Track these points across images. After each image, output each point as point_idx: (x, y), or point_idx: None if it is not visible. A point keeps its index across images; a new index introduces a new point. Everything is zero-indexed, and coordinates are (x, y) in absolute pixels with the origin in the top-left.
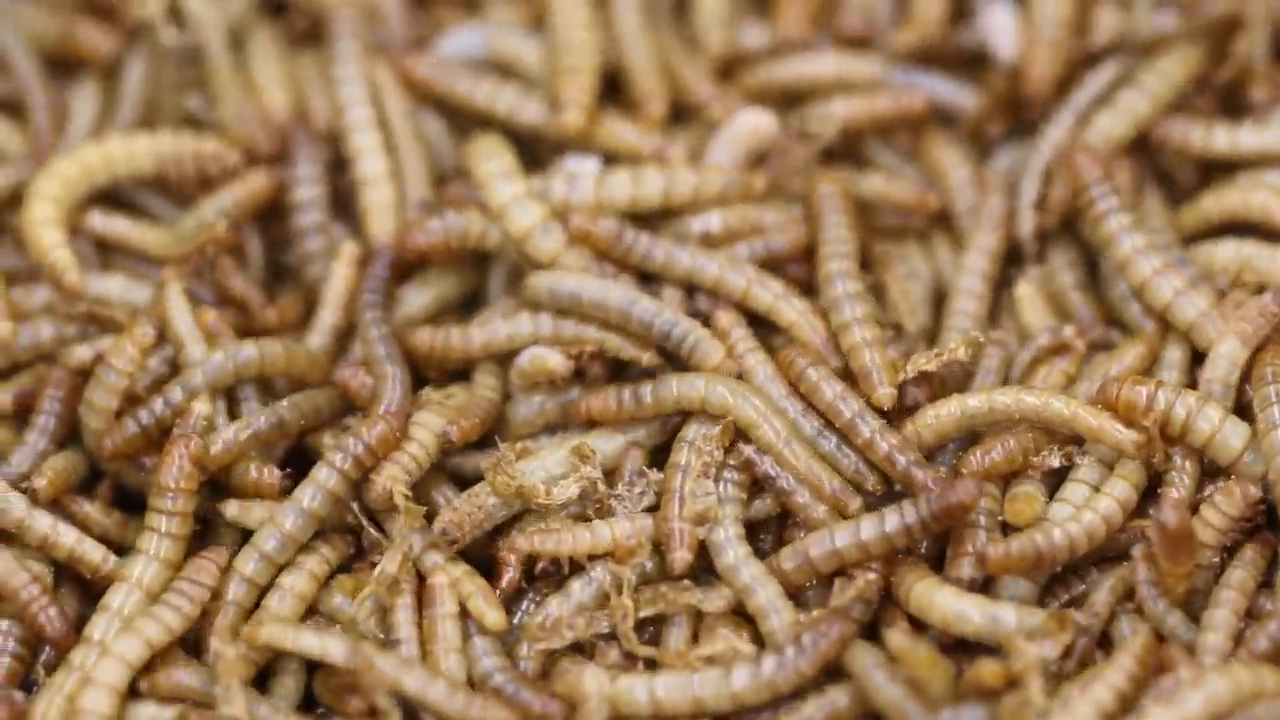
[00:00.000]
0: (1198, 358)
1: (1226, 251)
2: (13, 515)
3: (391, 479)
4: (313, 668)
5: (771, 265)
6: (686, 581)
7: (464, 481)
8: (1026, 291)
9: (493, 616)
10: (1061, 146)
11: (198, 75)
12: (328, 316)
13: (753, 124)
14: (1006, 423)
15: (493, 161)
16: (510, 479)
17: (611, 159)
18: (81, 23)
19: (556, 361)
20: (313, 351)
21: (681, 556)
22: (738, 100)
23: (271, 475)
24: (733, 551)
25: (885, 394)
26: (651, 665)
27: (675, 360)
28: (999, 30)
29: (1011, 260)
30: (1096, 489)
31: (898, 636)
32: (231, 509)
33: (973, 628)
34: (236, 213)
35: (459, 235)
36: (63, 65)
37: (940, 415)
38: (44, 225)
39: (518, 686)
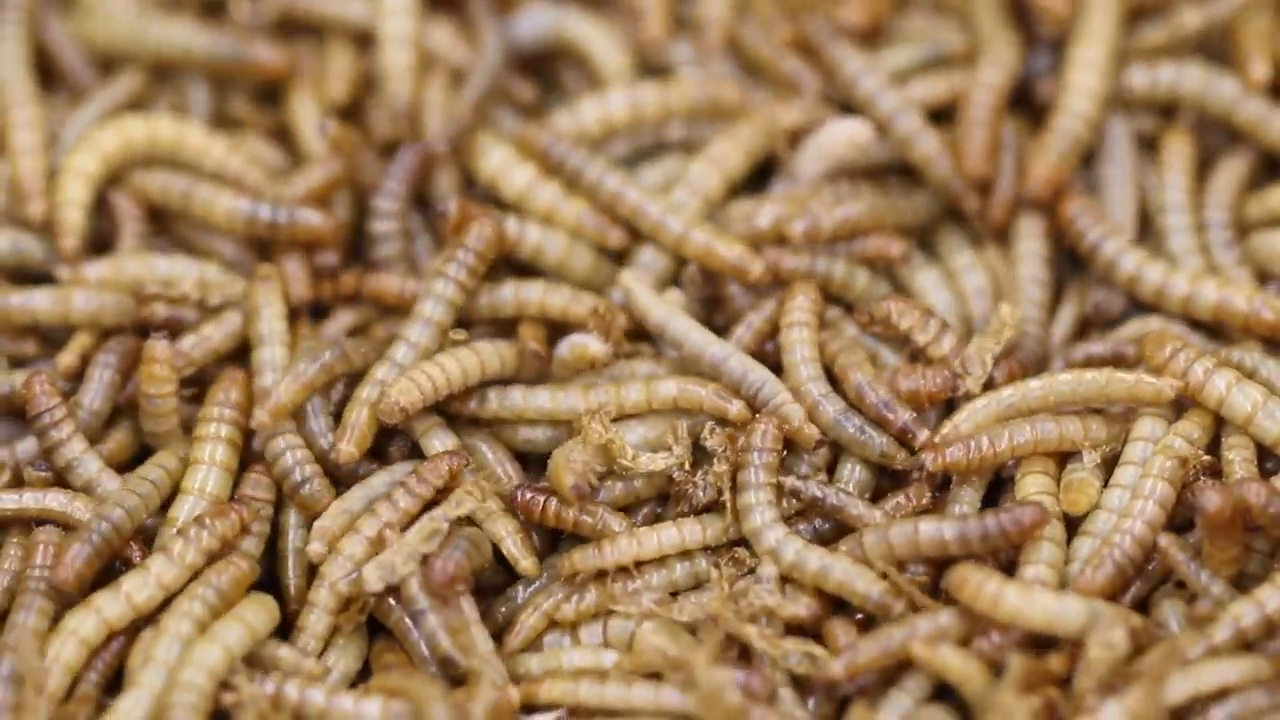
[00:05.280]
0: None
1: None
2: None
3: (402, 393)
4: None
5: None
6: (771, 585)
7: (525, 460)
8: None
9: (526, 563)
10: None
11: None
12: None
13: (848, 133)
14: (1045, 409)
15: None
16: (604, 430)
17: None
18: (254, 42)
19: (597, 348)
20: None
21: None
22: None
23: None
24: (760, 516)
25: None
26: None
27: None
28: None
29: None
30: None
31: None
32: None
33: (1077, 624)
34: (305, 198)
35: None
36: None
37: (976, 409)
38: (75, 176)
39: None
